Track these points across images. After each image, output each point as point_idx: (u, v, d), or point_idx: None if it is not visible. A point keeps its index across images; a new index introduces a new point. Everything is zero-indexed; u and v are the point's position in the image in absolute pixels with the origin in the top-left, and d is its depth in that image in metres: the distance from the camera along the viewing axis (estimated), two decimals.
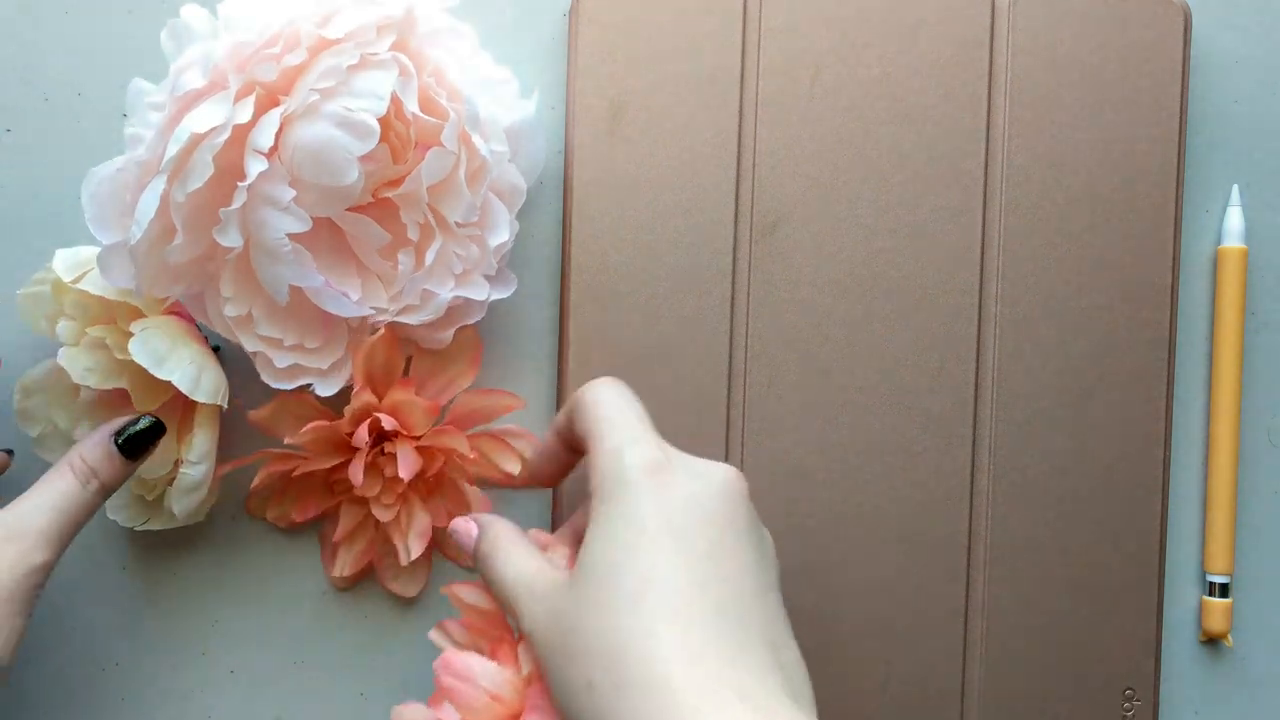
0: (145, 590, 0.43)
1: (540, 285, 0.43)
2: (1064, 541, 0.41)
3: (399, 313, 0.38)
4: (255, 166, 0.34)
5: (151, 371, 0.36)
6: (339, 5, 0.35)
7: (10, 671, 0.34)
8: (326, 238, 0.38)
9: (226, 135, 0.33)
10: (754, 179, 0.41)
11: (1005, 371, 0.41)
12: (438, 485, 0.41)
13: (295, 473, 0.40)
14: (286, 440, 0.39)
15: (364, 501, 0.41)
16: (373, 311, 0.38)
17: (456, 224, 0.38)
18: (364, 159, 0.35)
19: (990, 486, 0.41)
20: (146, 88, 0.36)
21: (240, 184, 0.34)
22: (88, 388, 0.39)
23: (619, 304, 0.41)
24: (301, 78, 0.34)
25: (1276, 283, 0.43)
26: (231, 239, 0.35)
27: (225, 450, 0.40)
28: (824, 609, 0.41)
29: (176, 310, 0.39)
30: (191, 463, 0.37)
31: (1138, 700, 0.41)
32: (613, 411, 0.33)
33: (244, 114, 0.34)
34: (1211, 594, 0.43)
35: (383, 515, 0.40)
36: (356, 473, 0.39)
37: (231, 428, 0.41)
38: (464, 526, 0.37)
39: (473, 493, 0.42)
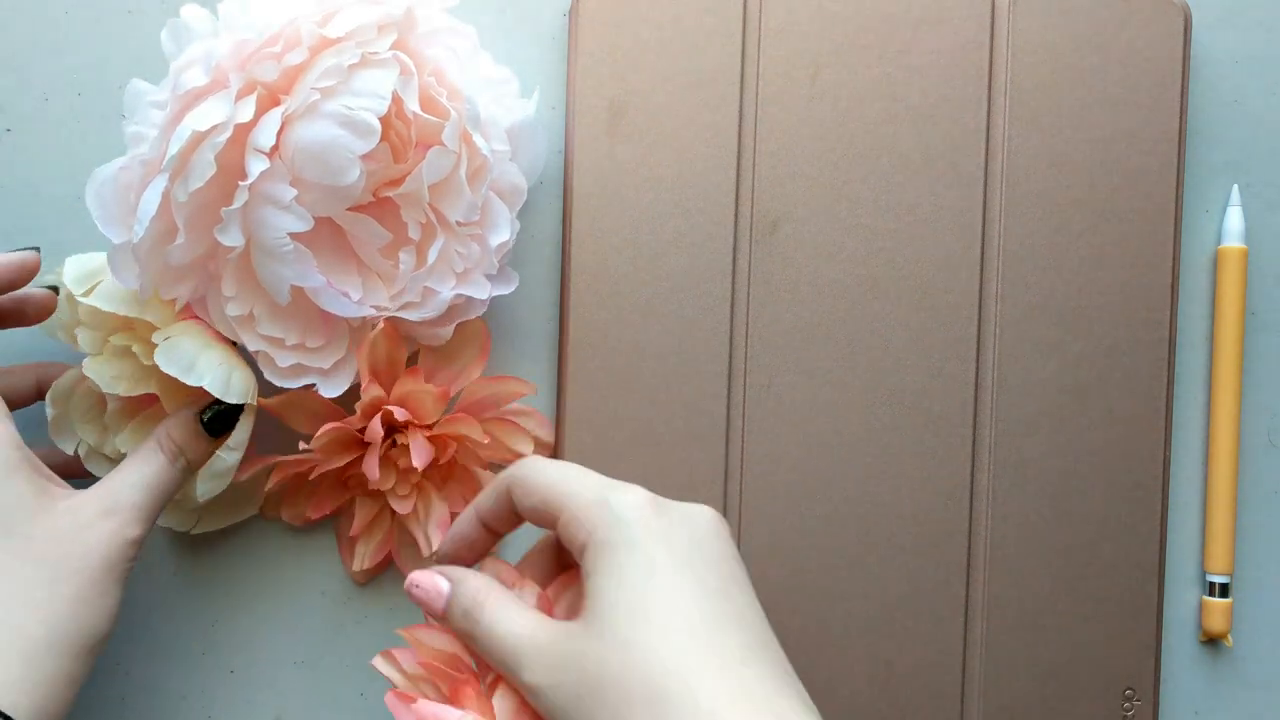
0: (145, 590, 0.43)
1: (540, 285, 0.43)
2: (1064, 542, 0.41)
3: (400, 309, 0.38)
4: (256, 166, 0.34)
5: (181, 379, 0.36)
6: (339, 4, 0.35)
7: (108, 640, 0.35)
8: (327, 237, 0.38)
9: (228, 134, 0.33)
10: (754, 179, 0.41)
11: (1005, 371, 0.41)
12: (451, 473, 0.42)
13: (311, 475, 0.40)
14: (302, 446, 0.39)
15: (379, 494, 0.41)
16: (374, 311, 0.38)
17: (457, 223, 0.38)
18: (365, 158, 0.35)
19: (990, 486, 0.41)
20: (146, 88, 0.36)
21: (241, 183, 0.34)
22: (115, 400, 0.39)
23: (619, 304, 0.41)
24: (302, 77, 0.34)
25: (1276, 283, 0.43)
26: (233, 238, 0.35)
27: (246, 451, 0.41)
28: (824, 609, 0.41)
29: (190, 315, 0.38)
30: (230, 449, 0.38)
31: (1138, 700, 0.41)
32: (572, 473, 0.34)
33: (245, 113, 0.34)
34: (1211, 594, 0.43)
35: (400, 507, 0.41)
36: (372, 467, 0.39)
37: (257, 432, 0.41)
38: (429, 583, 0.35)
39: (486, 478, 0.42)
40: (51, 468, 0.37)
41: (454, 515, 0.42)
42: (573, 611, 0.34)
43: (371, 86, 0.35)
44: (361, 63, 0.35)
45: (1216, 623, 0.43)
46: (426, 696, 0.35)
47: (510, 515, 0.35)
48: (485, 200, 0.38)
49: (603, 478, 0.34)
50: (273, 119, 0.34)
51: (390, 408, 0.39)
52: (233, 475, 0.39)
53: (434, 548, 0.41)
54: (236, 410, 0.37)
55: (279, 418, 0.40)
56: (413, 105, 0.36)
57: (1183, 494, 0.43)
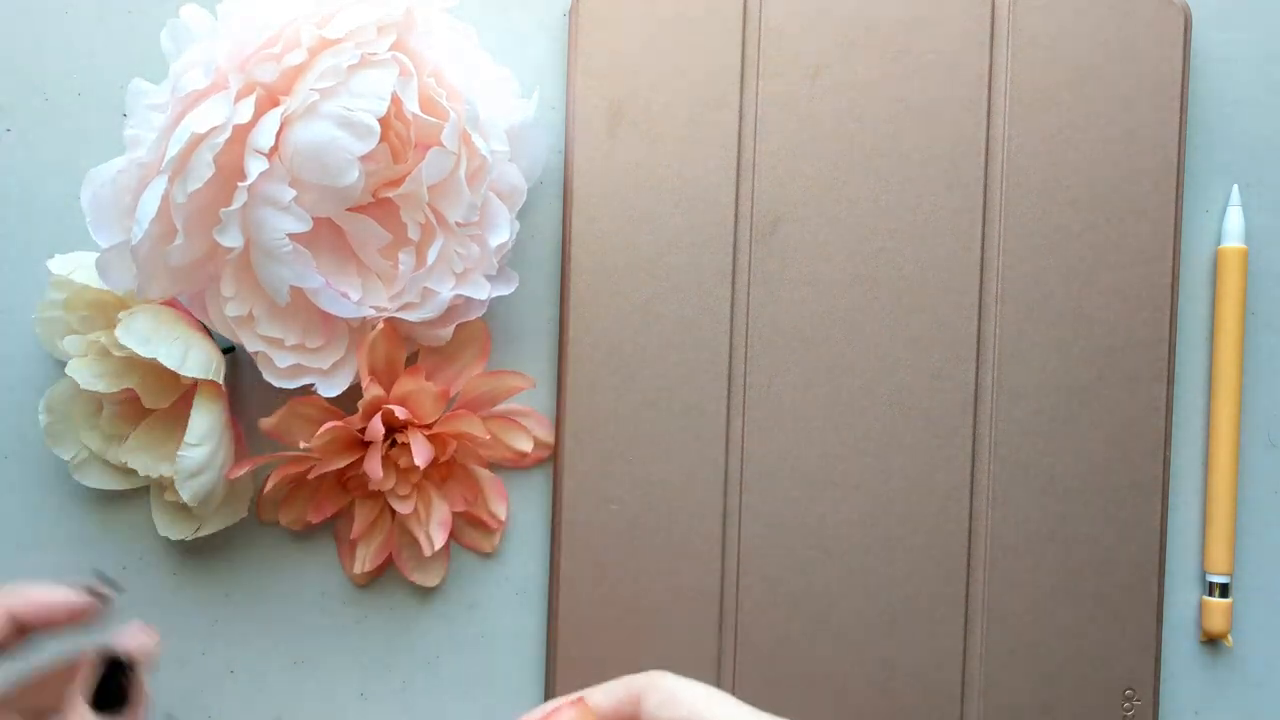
0: (145, 591, 0.43)
1: (540, 285, 0.43)
2: (1064, 541, 0.41)
3: (399, 309, 0.38)
4: (255, 166, 0.34)
5: (138, 351, 0.36)
6: (339, 5, 0.35)
7: None
8: (327, 238, 0.38)
9: (227, 135, 0.33)
10: (754, 179, 0.41)
11: (1005, 371, 0.41)
12: (450, 472, 0.42)
13: (310, 475, 0.40)
14: (302, 445, 0.39)
15: (378, 496, 0.41)
16: (373, 312, 0.38)
17: (457, 223, 0.38)
18: (364, 159, 0.35)
19: (990, 486, 0.41)
20: (146, 88, 0.36)
21: (241, 184, 0.34)
22: (110, 404, 0.39)
23: (619, 304, 0.41)
24: (301, 78, 0.34)
25: (1276, 283, 0.43)
26: (232, 239, 0.35)
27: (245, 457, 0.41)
28: (824, 608, 0.41)
29: (171, 304, 0.39)
30: (190, 445, 0.37)
31: (1138, 700, 0.41)
32: (717, 698, 0.31)
33: (244, 114, 0.34)
34: (1211, 594, 0.43)
35: (401, 508, 0.41)
36: (374, 467, 0.39)
37: (252, 434, 0.42)
38: None
39: (485, 476, 0.42)
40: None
41: (454, 515, 0.42)
42: None
43: (370, 87, 0.35)
44: (361, 63, 0.35)
45: (1216, 623, 0.43)
46: None
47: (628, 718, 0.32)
48: (485, 201, 0.38)
49: (749, 709, 0.31)
50: (272, 120, 0.34)
51: (391, 407, 0.40)
52: (215, 470, 0.38)
53: (435, 547, 0.41)
54: (119, 675, 0.32)
55: (278, 439, 0.40)
56: (412, 106, 0.36)
57: (1183, 494, 0.43)
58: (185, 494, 0.38)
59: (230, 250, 0.35)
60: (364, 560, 0.42)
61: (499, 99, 0.40)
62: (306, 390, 0.39)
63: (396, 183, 0.37)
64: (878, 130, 0.41)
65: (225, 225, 0.35)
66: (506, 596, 0.43)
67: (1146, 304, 0.41)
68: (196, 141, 0.33)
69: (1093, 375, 0.41)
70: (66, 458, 0.41)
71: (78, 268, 0.39)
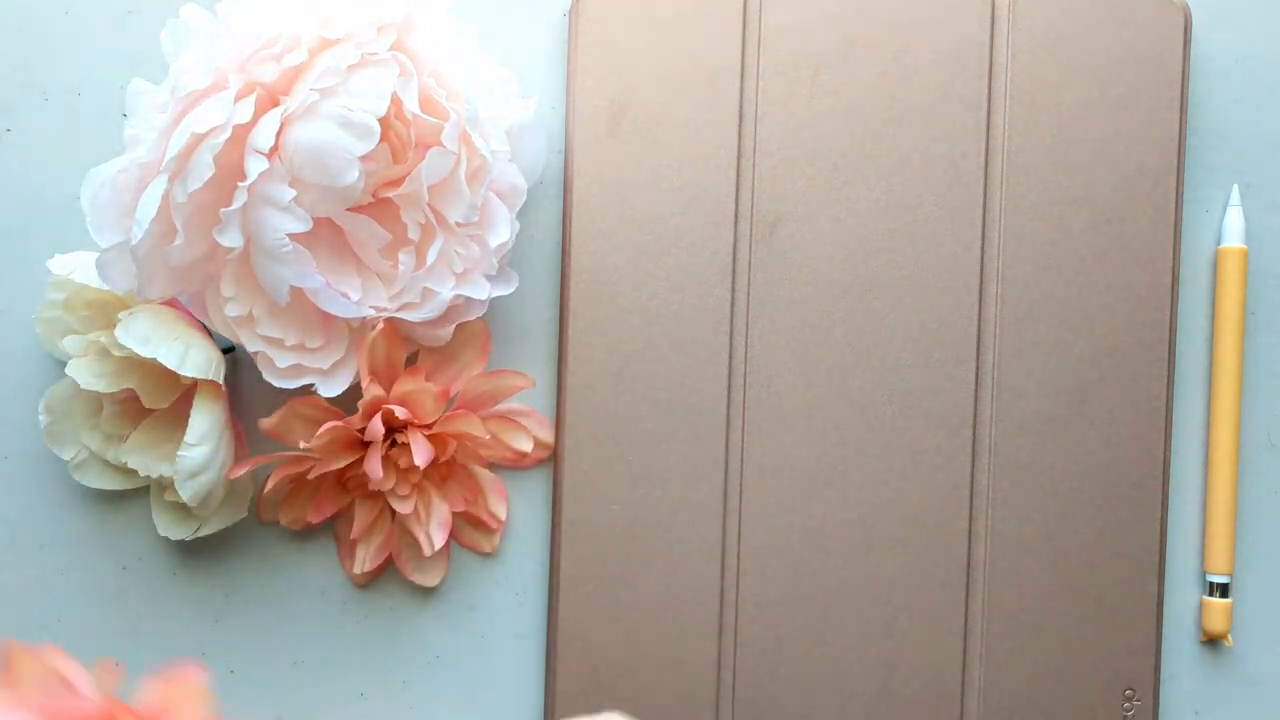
0: (145, 590, 0.43)
1: (540, 285, 0.43)
2: (1064, 541, 0.41)
3: (399, 309, 0.38)
4: (255, 166, 0.34)
5: (138, 351, 0.36)
6: (339, 5, 0.35)
7: None
8: (327, 238, 0.38)
9: (227, 135, 0.33)
10: (754, 179, 0.41)
11: (1005, 371, 0.41)
12: (450, 472, 0.42)
13: (310, 475, 0.40)
14: (302, 445, 0.39)
15: (378, 496, 0.41)
16: (373, 312, 0.38)
17: (457, 223, 0.38)
18: (364, 159, 0.35)
19: (990, 486, 0.41)
20: (146, 88, 0.36)
21: (241, 184, 0.34)
22: (110, 404, 0.39)
23: (619, 304, 0.41)
24: (301, 78, 0.34)
25: (1276, 283, 0.43)
26: (232, 239, 0.35)
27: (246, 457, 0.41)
28: (824, 609, 0.41)
29: (171, 304, 0.39)
30: (190, 444, 0.37)
31: (1138, 700, 0.41)
32: None
33: (244, 114, 0.34)
34: (1211, 594, 0.43)
35: (402, 508, 0.41)
36: (374, 467, 0.39)
37: (252, 434, 0.42)
38: None
39: (485, 476, 0.42)
40: None
41: (454, 515, 0.42)
42: None
43: (370, 87, 0.35)
44: (360, 63, 0.35)
45: (1216, 623, 0.43)
46: None
47: None
48: (485, 201, 0.38)
49: None
50: (271, 120, 0.34)
51: (391, 407, 0.40)
52: (215, 471, 0.39)
53: (435, 547, 0.41)
54: None
55: (278, 439, 0.40)
56: (412, 106, 0.36)
57: (1183, 494, 0.43)
58: (185, 494, 0.38)
59: (230, 250, 0.35)
60: (364, 560, 0.42)
61: (499, 99, 0.40)
62: (306, 390, 0.39)
63: (396, 183, 0.37)
64: (878, 130, 0.41)
65: (225, 225, 0.35)
66: (506, 596, 0.43)
67: (1146, 304, 0.41)
68: (196, 141, 0.33)
69: (1093, 375, 0.41)
70: (66, 458, 0.41)
71: (78, 268, 0.39)
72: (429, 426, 0.41)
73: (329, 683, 0.43)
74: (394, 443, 0.41)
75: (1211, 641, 0.43)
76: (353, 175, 0.35)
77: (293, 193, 0.34)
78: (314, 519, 0.41)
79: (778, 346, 0.41)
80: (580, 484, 0.41)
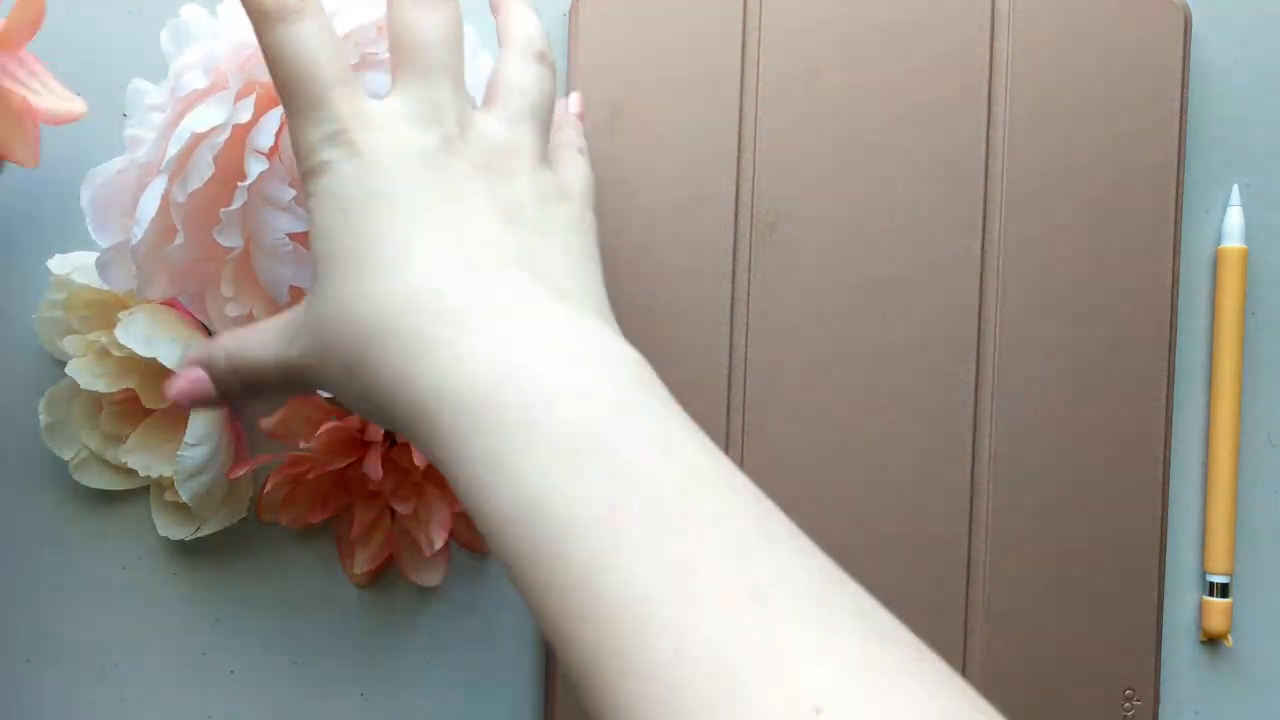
0: (145, 591, 0.43)
1: None
2: (1064, 542, 0.41)
3: None
4: (256, 166, 0.34)
5: (138, 351, 0.36)
6: (338, 5, 0.35)
7: None
8: None
9: (227, 135, 0.33)
10: (754, 179, 0.41)
11: (1005, 371, 0.41)
12: None
13: (310, 475, 0.40)
14: (302, 445, 0.39)
15: (378, 496, 0.41)
16: None
17: None
18: None
19: (990, 486, 0.41)
20: (146, 88, 0.36)
21: (241, 184, 0.34)
22: (110, 404, 0.39)
23: (619, 304, 0.41)
24: None
25: (1276, 283, 0.43)
26: (232, 239, 0.35)
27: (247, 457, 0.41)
28: None
29: (171, 304, 0.39)
30: (190, 444, 0.37)
31: (1138, 700, 0.41)
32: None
33: (244, 114, 0.34)
34: (1211, 594, 0.43)
35: (401, 508, 0.41)
36: (374, 467, 0.39)
37: (252, 434, 0.42)
38: (190, 380, 0.32)
39: None
40: None
41: (454, 515, 0.42)
42: None
43: (370, 87, 0.34)
44: (360, 64, 0.35)
45: (1216, 623, 0.43)
46: None
47: None
48: None
49: None
50: (272, 120, 0.34)
51: None
52: (215, 471, 0.39)
53: (435, 547, 0.41)
54: None
55: (280, 439, 0.40)
56: None
57: (1183, 494, 0.43)
58: (185, 494, 0.38)
59: (230, 250, 0.35)
60: (364, 560, 0.42)
61: None
62: (307, 390, 0.39)
63: None
64: (878, 130, 0.41)
65: (225, 225, 0.35)
66: (506, 596, 0.43)
67: (1146, 304, 0.41)
68: (196, 141, 0.33)
69: (1093, 375, 0.41)
70: (66, 458, 0.41)
71: (78, 268, 0.39)
72: None
73: (329, 683, 0.43)
74: (394, 443, 0.41)
75: (1211, 641, 0.43)
76: None
77: (293, 193, 0.34)
78: (314, 519, 0.41)
79: (778, 346, 0.41)
80: None
